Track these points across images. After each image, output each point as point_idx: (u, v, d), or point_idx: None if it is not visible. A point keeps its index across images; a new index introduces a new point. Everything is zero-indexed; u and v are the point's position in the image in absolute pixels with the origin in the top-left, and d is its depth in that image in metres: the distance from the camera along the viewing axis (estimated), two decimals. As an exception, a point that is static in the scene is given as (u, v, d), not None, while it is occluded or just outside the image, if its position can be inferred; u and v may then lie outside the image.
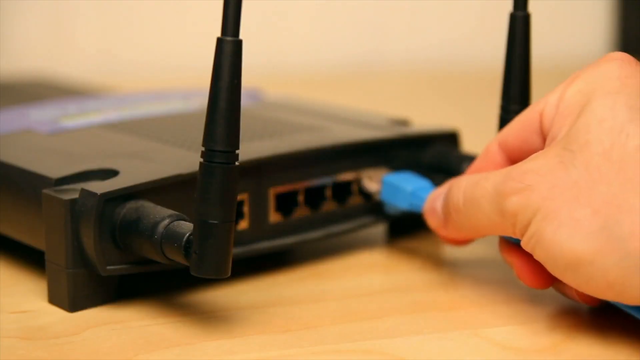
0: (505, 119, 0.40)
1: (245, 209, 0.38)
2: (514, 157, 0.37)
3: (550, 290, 0.36)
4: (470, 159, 0.42)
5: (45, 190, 0.36)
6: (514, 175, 0.33)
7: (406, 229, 0.44)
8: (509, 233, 0.34)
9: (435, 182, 0.42)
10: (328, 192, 0.41)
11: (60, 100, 0.50)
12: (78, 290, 0.36)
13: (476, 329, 0.35)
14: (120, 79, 0.79)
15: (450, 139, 0.44)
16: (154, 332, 0.34)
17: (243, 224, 0.38)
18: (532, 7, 0.40)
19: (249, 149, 0.38)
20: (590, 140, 0.32)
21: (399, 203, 0.40)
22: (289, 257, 0.41)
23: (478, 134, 0.50)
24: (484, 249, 0.42)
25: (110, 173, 0.37)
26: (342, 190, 0.41)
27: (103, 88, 0.61)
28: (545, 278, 0.35)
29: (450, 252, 0.43)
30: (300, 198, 0.40)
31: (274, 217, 0.39)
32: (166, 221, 0.34)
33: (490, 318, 0.35)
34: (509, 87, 0.40)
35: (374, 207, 0.42)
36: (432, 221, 0.38)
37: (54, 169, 0.37)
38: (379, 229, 0.44)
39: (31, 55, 0.87)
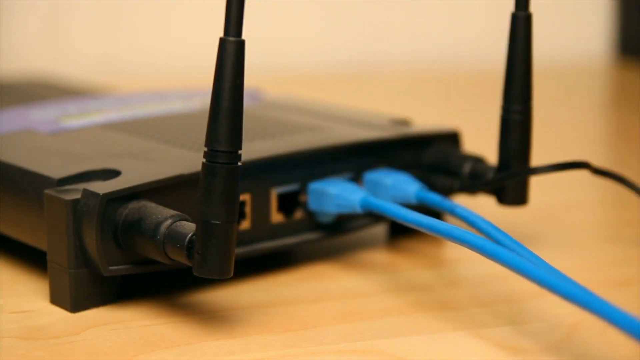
0: (506, 119, 0.40)
1: (247, 209, 0.38)
2: None
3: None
4: (471, 159, 0.42)
5: (47, 191, 0.36)
6: None
7: (406, 229, 0.44)
8: None
9: (436, 182, 0.42)
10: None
11: (60, 101, 0.50)
12: (80, 290, 0.36)
13: (476, 329, 0.35)
14: (120, 80, 0.79)
15: (452, 139, 0.44)
16: (154, 332, 0.34)
17: (245, 224, 0.38)
18: (534, 7, 0.40)
19: (250, 149, 0.38)
20: None
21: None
22: (289, 257, 0.41)
23: (479, 134, 0.50)
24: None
25: (112, 173, 0.37)
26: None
27: (103, 88, 0.61)
28: None
29: (451, 252, 0.43)
30: (302, 198, 0.40)
31: (275, 217, 0.39)
32: (168, 221, 0.34)
33: (490, 318, 0.35)
34: (510, 88, 0.40)
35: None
36: None
37: (55, 169, 0.37)
38: (379, 229, 0.44)
39: (31, 56, 0.87)
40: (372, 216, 0.41)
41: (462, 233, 0.34)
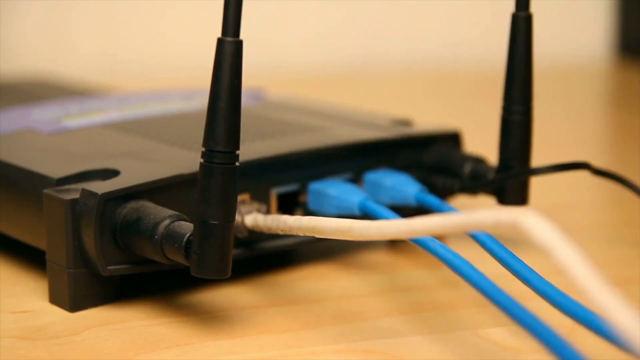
0: (506, 120, 0.40)
1: (247, 209, 0.38)
2: None
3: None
4: (472, 159, 0.42)
5: (46, 190, 0.36)
6: None
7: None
8: None
9: (437, 183, 0.42)
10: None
11: (61, 100, 0.50)
12: (79, 290, 0.36)
13: (476, 329, 0.35)
14: (120, 80, 0.79)
15: (453, 139, 0.44)
16: (154, 332, 0.34)
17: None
18: (534, 8, 0.40)
19: (251, 149, 0.38)
20: None
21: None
22: (289, 257, 0.41)
23: (480, 134, 0.50)
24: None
25: (111, 173, 0.37)
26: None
27: (104, 88, 0.61)
28: None
29: (451, 252, 0.42)
30: (302, 199, 0.40)
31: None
32: (166, 221, 0.34)
33: (490, 318, 0.35)
34: (511, 88, 0.40)
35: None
36: None
37: (55, 169, 0.37)
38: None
39: (31, 56, 0.87)
40: (371, 218, 0.41)
41: (444, 252, 0.34)
